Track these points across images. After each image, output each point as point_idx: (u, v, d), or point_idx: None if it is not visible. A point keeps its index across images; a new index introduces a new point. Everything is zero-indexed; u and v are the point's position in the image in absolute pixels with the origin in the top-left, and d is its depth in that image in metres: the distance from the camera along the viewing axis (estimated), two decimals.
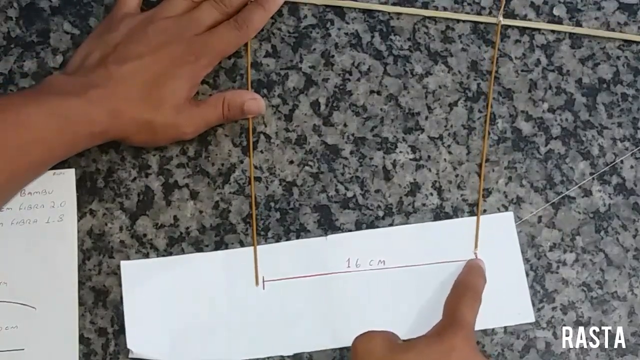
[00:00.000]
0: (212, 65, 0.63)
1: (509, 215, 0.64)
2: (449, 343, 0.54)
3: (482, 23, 0.68)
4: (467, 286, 0.60)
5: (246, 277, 0.62)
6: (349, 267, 0.62)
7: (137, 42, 0.61)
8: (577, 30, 0.67)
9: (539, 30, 0.68)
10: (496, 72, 0.67)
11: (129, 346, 0.60)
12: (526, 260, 0.63)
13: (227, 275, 0.62)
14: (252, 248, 0.63)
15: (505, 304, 0.62)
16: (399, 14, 0.68)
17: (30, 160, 0.58)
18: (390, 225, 0.64)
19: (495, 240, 0.63)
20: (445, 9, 0.68)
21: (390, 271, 0.62)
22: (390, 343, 0.55)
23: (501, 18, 0.67)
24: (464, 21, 0.68)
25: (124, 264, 0.62)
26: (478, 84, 0.67)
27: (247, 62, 0.67)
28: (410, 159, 0.65)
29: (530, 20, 0.68)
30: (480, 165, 0.65)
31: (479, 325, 0.61)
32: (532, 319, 0.62)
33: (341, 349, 0.61)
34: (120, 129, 0.60)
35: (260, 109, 0.64)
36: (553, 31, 0.68)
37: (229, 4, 0.64)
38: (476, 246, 0.63)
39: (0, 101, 0.59)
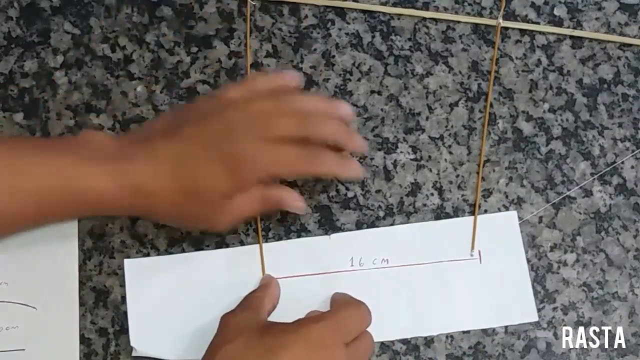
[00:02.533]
0: (260, 180, 0.58)
1: (512, 214, 0.64)
2: (305, 330, 0.53)
3: (482, 24, 0.68)
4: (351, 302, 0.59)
5: (250, 275, 0.62)
6: (352, 265, 0.62)
7: (198, 125, 0.57)
8: (577, 32, 0.67)
9: (539, 30, 0.68)
10: (497, 72, 0.67)
11: (132, 344, 0.60)
12: (527, 261, 0.63)
13: (231, 273, 0.62)
14: (255, 246, 0.63)
15: (509, 303, 0.62)
16: (400, 14, 0.68)
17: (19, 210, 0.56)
18: (391, 225, 0.64)
19: (499, 239, 0.63)
20: (445, 9, 0.68)
21: (394, 270, 0.62)
22: (258, 324, 0.56)
23: (501, 20, 0.67)
24: (464, 22, 0.68)
25: (127, 261, 0.62)
26: (479, 84, 0.67)
27: (247, 62, 0.67)
28: (411, 159, 0.65)
29: (530, 21, 0.68)
30: (479, 165, 0.65)
31: (482, 324, 0.61)
32: (535, 318, 0.61)
33: None
34: (146, 209, 0.57)
35: (300, 209, 0.60)
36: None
37: (310, 130, 0.58)
38: (472, 247, 0.63)
39: (12, 144, 0.58)
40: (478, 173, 0.65)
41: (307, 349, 0.53)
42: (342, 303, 0.59)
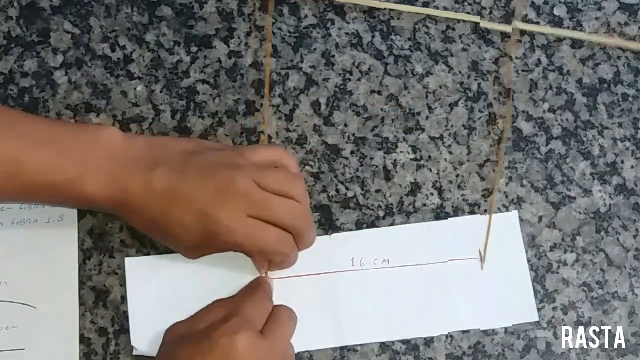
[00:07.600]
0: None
1: (514, 214, 0.64)
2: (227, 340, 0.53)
3: (494, 30, 0.67)
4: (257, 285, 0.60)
5: (251, 275, 0.62)
6: (353, 265, 0.62)
7: (200, 173, 0.58)
8: (580, 35, 0.67)
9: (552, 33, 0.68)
10: (496, 72, 0.67)
11: (133, 343, 0.60)
12: (527, 261, 0.63)
13: (232, 272, 0.62)
14: None
15: (510, 303, 0.62)
16: (400, 13, 0.68)
17: None
18: (391, 225, 0.64)
19: (500, 240, 0.63)
20: (445, 9, 0.68)
21: (395, 270, 0.62)
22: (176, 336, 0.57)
23: (518, 23, 0.67)
24: (464, 21, 0.68)
25: (128, 260, 0.62)
26: (479, 84, 0.67)
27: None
28: (411, 159, 0.65)
29: (530, 20, 0.68)
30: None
31: (482, 325, 0.61)
32: (536, 318, 0.62)
33: (341, 349, 0.61)
34: (127, 217, 0.60)
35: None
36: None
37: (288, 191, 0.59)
38: (485, 248, 0.63)
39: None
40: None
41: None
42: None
